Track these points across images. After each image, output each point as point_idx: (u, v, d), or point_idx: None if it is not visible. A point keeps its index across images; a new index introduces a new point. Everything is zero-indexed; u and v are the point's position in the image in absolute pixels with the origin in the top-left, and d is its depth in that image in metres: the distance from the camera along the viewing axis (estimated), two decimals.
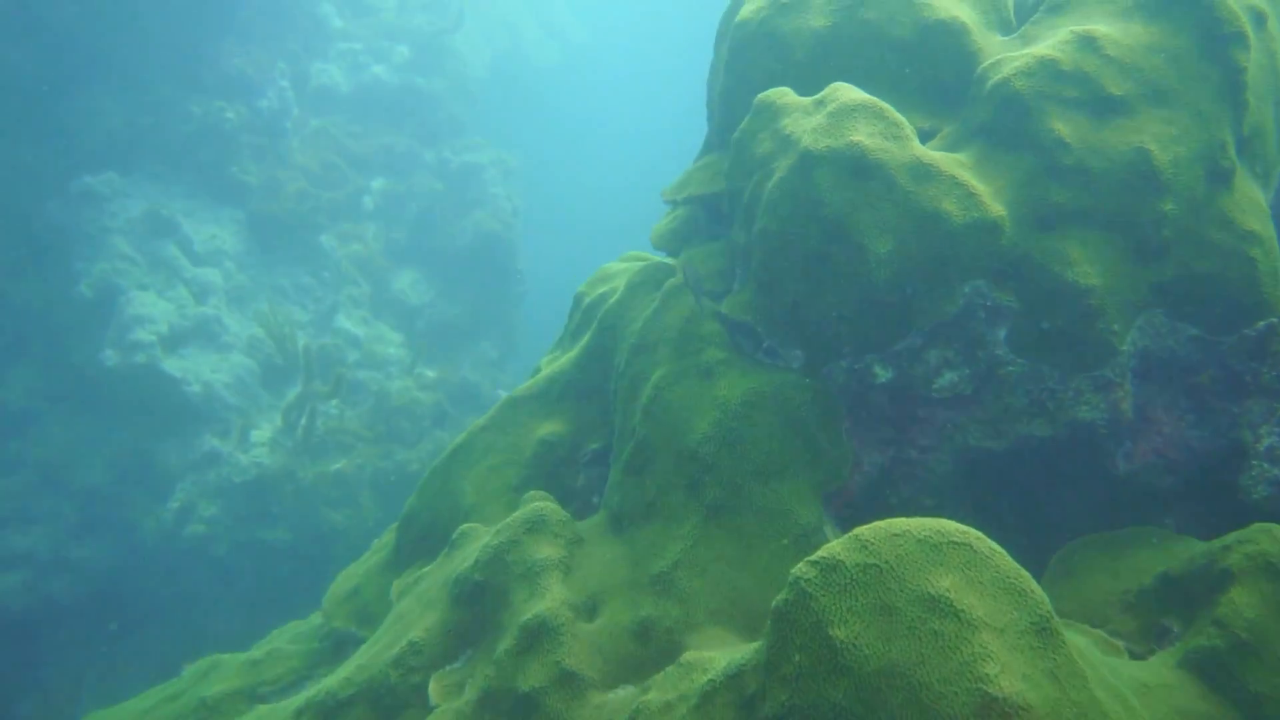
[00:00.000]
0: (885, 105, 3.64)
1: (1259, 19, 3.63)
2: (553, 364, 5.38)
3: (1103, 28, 3.59)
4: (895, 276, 3.51)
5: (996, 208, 3.47)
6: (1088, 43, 3.54)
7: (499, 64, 23.98)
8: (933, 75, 3.95)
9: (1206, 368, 3.47)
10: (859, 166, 3.53)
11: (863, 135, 3.57)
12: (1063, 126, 3.47)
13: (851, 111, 3.64)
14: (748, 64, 4.23)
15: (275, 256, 13.34)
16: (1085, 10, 3.78)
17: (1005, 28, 4.08)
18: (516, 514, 3.93)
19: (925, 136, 3.90)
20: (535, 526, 3.80)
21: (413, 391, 13.19)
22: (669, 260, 4.84)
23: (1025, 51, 3.63)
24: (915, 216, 3.48)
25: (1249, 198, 3.47)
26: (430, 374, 15.20)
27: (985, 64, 3.75)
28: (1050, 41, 3.63)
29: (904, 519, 2.35)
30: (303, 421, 11.16)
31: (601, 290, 5.25)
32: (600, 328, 4.80)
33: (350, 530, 11.14)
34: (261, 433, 11.30)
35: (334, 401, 12.94)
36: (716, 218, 4.56)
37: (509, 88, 24.52)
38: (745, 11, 4.28)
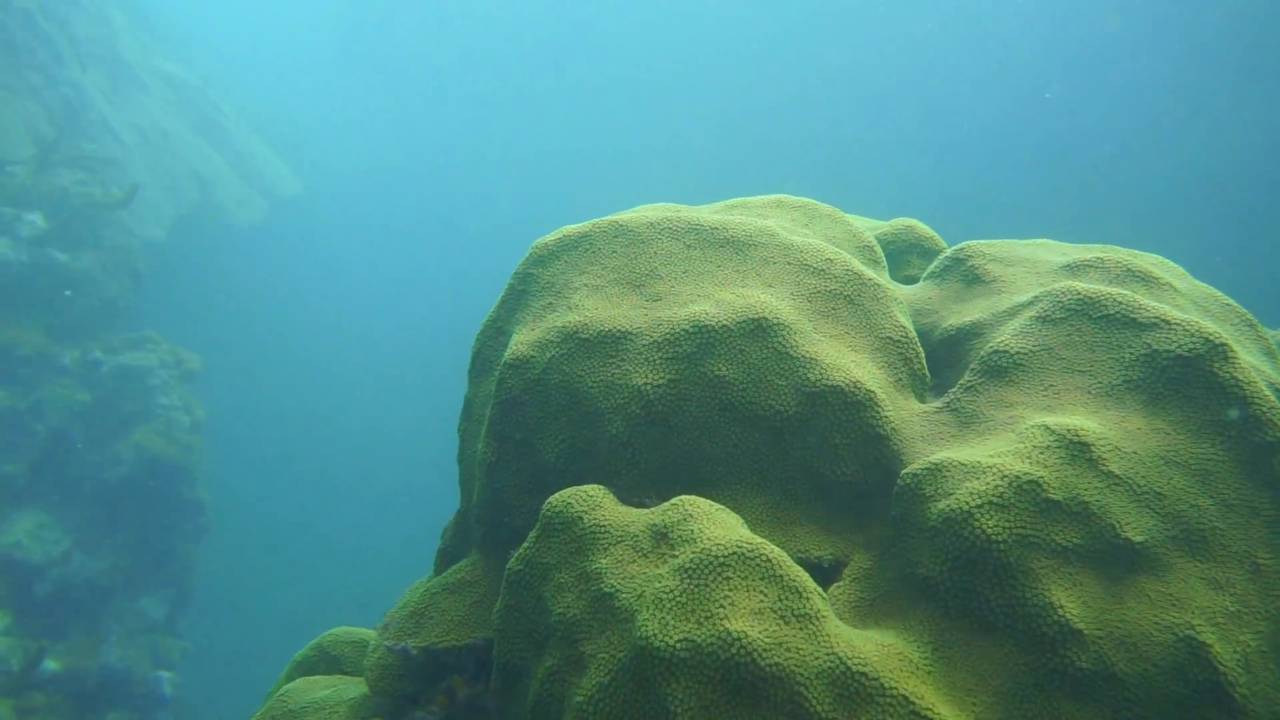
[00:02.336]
0: (775, 554, 2.32)
1: None
2: None
3: (1091, 424, 2.53)
4: None
5: None
6: (1078, 451, 2.46)
7: (184, 226, 21.51)
8: (827, 469, 2.72)
9: None
10: (743, 686, 2.14)
11: (744, 620, 2.20)
12: (1067, 600, 2.31)
13: (721, 568, 2.28)
14: (529, 431, 2.79)
15: None
16: (1044, 379, 2.75)
17: (918, 385, 2.99)
18: None
19: (825, 576, 2.62)
20: None
21: None
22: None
23: (986, 461, 2.48)
24: None
25: None
26: (53, 666, 12.08)
27: (916, 467, 2.57)
28: (1019, 444, 2.52)
29: None
30: None
31: None
32: None
33: None
34: None
35: None
36: (481, 663, 2.99)
37: (196, 256, 22.05)
38: (522, 344, 2.87)
